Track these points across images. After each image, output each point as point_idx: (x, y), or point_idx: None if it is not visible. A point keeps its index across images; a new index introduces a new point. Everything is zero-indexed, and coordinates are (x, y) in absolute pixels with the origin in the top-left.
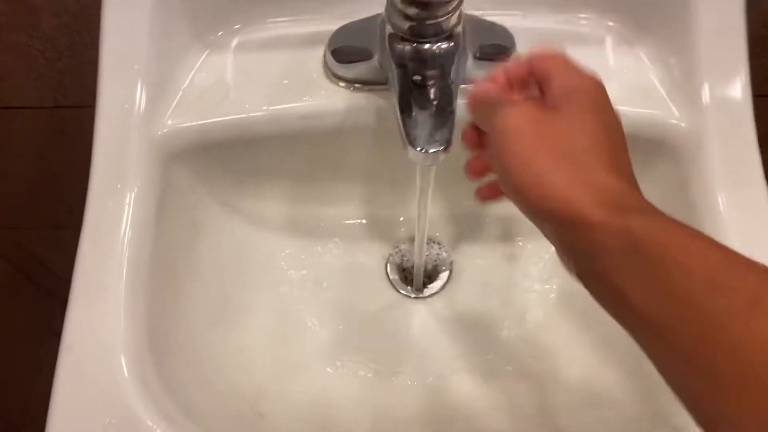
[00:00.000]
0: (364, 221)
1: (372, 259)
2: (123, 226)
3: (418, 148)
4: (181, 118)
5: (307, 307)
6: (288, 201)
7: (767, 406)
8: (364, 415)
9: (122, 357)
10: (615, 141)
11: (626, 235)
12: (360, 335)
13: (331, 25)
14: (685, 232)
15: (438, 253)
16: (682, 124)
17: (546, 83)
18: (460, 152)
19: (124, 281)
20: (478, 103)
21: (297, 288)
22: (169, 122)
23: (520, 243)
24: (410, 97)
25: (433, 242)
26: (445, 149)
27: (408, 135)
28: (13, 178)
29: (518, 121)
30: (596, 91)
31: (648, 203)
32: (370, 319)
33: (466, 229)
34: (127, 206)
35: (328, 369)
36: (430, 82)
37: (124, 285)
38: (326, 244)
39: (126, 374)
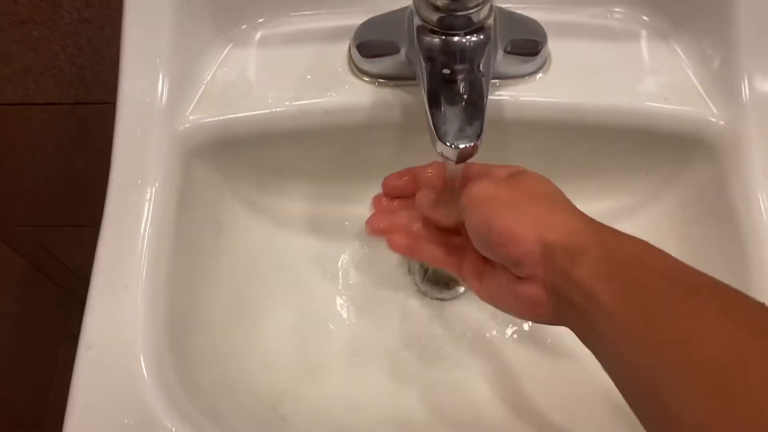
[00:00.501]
0: None
1: (395, 260)
2: (143, 223)
3: (448, 143)
4: (203, 113)
5: (330, 308)
6: (311, 199)
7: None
8: (386, 418)
9: (142, 357)
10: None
11: (604, 243)
12: (382, 337)
13: (357, 19)
14: (646, 244)
15: None
16: (721, 122)
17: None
18: (488, 149)
19: (143, 279)
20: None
21: (319, 288)
22: (191, 117)
23: None
24: (439, 91)
25: None
26: (475, 144)
27: (437, 129)
28: (33, 175)
29: (489, 190)
30: (525, 171)
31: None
32: (393, 321)
33: None
34: (147, 203)
35: (351, 371)
36: (460, 76)
37: (143, 283)
38: (349, 243)
39: (145, 375)
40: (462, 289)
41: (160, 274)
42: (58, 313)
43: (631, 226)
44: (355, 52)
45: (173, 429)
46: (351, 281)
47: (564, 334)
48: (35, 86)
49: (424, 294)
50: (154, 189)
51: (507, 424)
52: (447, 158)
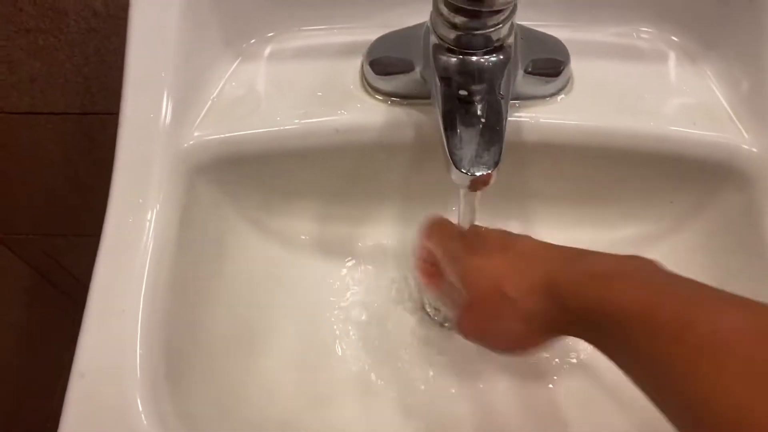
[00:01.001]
0: (397, 243)
1: (405, 284)
2: (143, 245)
3: (463, 170)
4: (209, 130)
5: (335, 333)
6: (318, 219)
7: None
8: None
9: (137, 387)
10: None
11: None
12: (390, 364)
13: (370, 35)
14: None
15: None
16: (753, 149)
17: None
18: (506, 173)
19: (141, 303)
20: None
21: (325, 312)
22: (196, 134)
23: None
24: (455, 113)
25: None
26: (491, 173)
27: (452, 155)
28: (39, 184)
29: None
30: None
31: None
32: (402, 347)
33: None
34: (148, 223)
35: (355, 401)
36: (478, 98)
37: (141, 307)
38: (357, 265)
39: (140, 406)
40: None
41: (158, 298)
42: (62, 321)
43: (653, 254)
44: (368, 68)
45: None
46: (357, 305)
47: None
48: (41, 95)
49: (435, 318)
50: (155, 210)
51: None
52: (461, 186)
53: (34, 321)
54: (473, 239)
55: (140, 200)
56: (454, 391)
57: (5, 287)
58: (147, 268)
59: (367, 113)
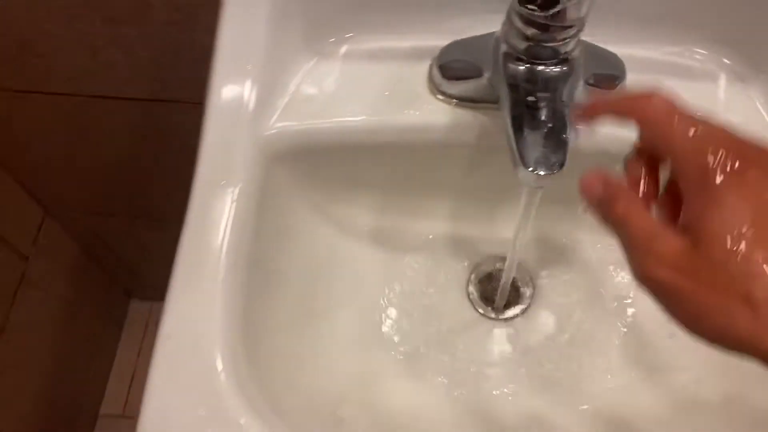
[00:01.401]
0: (450, 238)
1: (454, 277)
2: (224, 222)
3: (530, 169)
4: (287, 121)
5: (388, 318)
6: (378, 211)
7: None
8: (439, 428)
9: (217, 350)
10: None
11: None
12: (437, 350)
13: (441, 41)
14: None
15: (522, 277)
16: None
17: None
18: (562, 179)
19: (222, 276)
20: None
21: (379, 298)
22: (276, 124)
23: (611, 270)
24: (524, 117)
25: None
26: (557, 173)
27: (522, 155)
28: (98, 164)
29: (663, 278)
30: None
31: None
32: (449, 336)
33: (553, 256)
34: (230, 203)
35: (406, 379)
36: (543, 104)
37: (221, 280)
38: (412, 256)
39: (220, 367)
40: (521, 309)
41: (237, 274)
42: (102, 298)
43: None
44: (436, 72)
45: (243, 422)
46: (410, 292)
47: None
48: (116, 81)
49: (481, 311)
50: (237, 190)
51: None
52: (527, 184)
53: (77, 296)
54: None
55: (223, 182)
56: (500, 377)
57: (54, 261)
58: (228, 242)
59: (432, 114)
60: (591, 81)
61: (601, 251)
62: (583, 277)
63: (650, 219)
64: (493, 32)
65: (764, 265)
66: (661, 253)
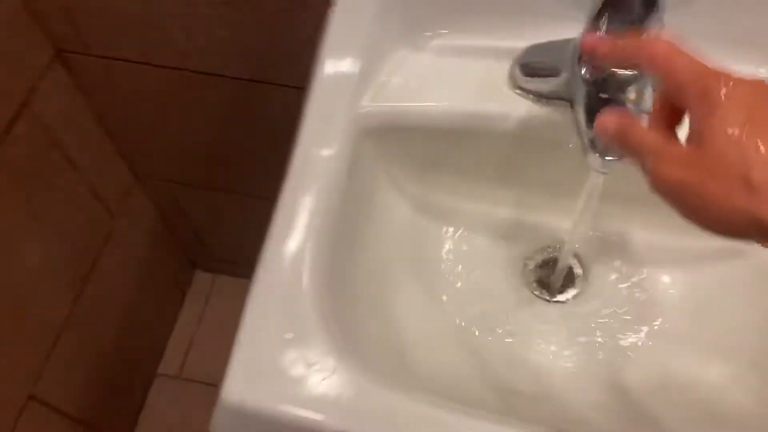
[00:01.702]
0: (514, 222)
1: (513, 259)
2: (320, 182)
3: (599, 154)
4: (379, 102)
5: (450, 292)
6: (449, 192)
7: None
8: (493, 392)
9: (306, 286)
10: None
11: None
12: (491, 323)
13: (523, 43)
14: None
15: (576, 264)
16: None
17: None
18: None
19: (314, 225)
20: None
21: (443, 273)
22: (370, 103)
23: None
24: (595, 110)
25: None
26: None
27: (592, 141)
28: (190, 136)
29: (674, 176)
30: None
31: None
32: (502, 312)
33: (606, 247)
34: (325, 167)
35: (459, 346)
36: (614, 100)
37: (314, 228)
38: (475, 235)
39: (308, 301)
40: (573, 294)
41: (326, 229)
42: (171, 265)
43: None
44: (516, 69)
45: (321, 349)
46: (472, 270)
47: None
48: (223, 60)
49: (536, 293)
50: (332, 156)
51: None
52: (595, 169)
53: (151, 260)
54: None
55: (321, 150)
56: (556, 354)
57: (135, 224)
58: (320, 200)
59: (509, 106)
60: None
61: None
62: (634, 269)
63: (659, 135)
64: (573, 38)
65: (759, 151)
66: (671, 156)
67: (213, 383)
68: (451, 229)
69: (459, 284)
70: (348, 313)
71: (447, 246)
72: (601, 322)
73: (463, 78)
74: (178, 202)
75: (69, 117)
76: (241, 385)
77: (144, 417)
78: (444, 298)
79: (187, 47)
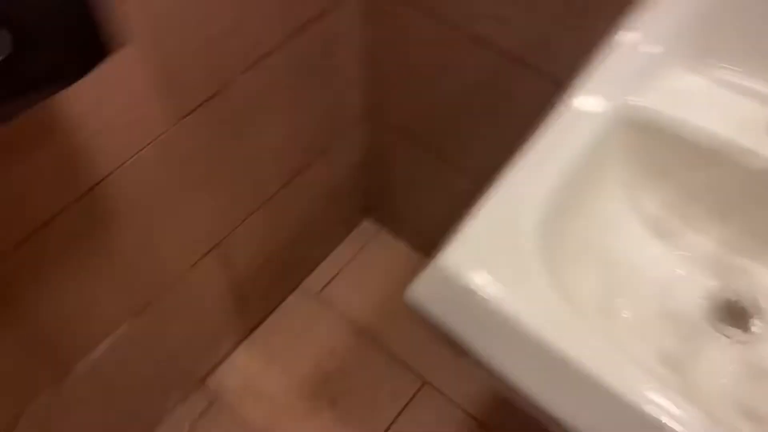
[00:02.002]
0: (713, 257)
1: (700, 290)
2: (571, 143)
3: None
4: (647, 100)
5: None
6: (666, 205)
7: None
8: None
9: (530, 218)
10: None
11: None
12: (670, 346)
13: None
14: None
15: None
16: None
17: None
18: None
19: (548, 183)
20: None
21: (630, 281)
22: (638, 99)
23: None
24: None
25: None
26: None
27: None
28: (432, 96)
29: None
30: None
31: None
32: (682, 340)
33: None
34: (579, 134)
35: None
36: None
37: (548, 186)
38: (672, 259)
39: (529, 230)
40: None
41: (557, 186)
42: (346, 203)
43: None
44: None
45: (540, 282)
46: (658, 291)
47: None
48: (505, 32)
49: (717, 327)
50: (586, 128)
51: None
52: None
53: (336, 189)
54: None
55: (581, 117)
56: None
57: (344, 153)
58: (563, 158)
59: (763, 149)
60: None
61: None
62: None
63: None
64: None
65: None
66: None
67: (341, 314)
68: (654, 245)
69: (641, 296)
70: (561, 260)
71: (645, 254)
72: None
73: (728, 110)
74: (388, 151)
75: (349, 39)
76: (460, 256)
77: (272, 319)
78: (621, 307)
79: (485, 13)
